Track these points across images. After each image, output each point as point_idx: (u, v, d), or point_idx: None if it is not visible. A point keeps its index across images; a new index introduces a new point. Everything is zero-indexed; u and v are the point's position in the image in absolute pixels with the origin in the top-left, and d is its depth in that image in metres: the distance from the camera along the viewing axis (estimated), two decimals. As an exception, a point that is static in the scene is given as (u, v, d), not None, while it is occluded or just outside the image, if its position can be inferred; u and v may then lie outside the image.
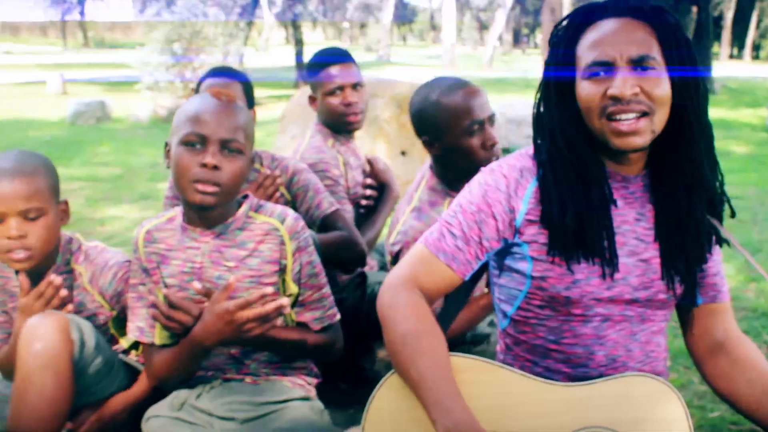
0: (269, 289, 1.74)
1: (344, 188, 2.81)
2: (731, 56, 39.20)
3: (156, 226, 1.97)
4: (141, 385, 2.05)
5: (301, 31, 24.04)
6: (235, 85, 2.64)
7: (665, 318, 1.69)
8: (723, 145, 10.38)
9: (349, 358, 2.68)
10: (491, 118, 2.26)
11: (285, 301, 1.74)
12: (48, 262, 2.03)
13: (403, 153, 6.85)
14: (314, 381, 2.06)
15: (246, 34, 18.55)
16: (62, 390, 1.79)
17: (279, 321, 1.81)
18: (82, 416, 1.98)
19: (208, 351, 1.85)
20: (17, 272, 2.03)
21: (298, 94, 7.49)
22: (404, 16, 60.98)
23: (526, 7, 50.26)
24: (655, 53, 1.48)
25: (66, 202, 2.04)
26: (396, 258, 2.27)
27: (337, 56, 2.89)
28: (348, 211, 2.78)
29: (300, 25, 23.76)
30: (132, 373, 2.08)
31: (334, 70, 2.84)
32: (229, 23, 17.12)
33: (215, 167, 1.78)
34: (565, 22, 1.58)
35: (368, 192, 2.96)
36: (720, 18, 38.69)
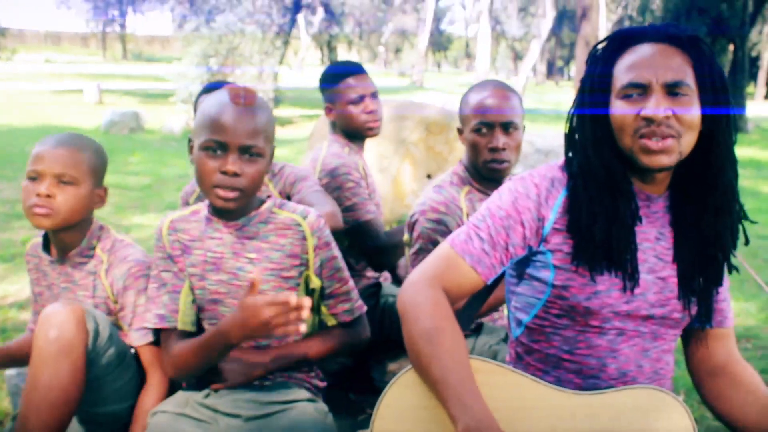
0: (293, 297, 1.70)
1: (366, 190, 2.87)
2: (767, 97, 38.84)
3: (180, 218, 2.02)
4: (157, 385, 2.08)
5: (337, 52, 24.25)
6: None
7: (675, 338, 1.72)
8: (753, 184, 10.29)
9: (360, 368, 2.71)
10: (505, 125, 2.37)
11: (307, 301, 1.71)
12: (72, 241, 2.12)
13: (428, 176, 6.88)
14: (320, 384, 2.09)
15: (282, 52, 18.72)
16: (75, 378, 1.83)
17: (302, 328, 1.81)
18: None
19: (232, 347, 1.85)
20: (48, 251, 2.16)
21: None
22: (439, 43, 61.29)
23: (562, 40, 50.36)
24: (689, 80, 1.53)
25: (105, 189, 2.15)
26: (412, 228, 2.42)
27: (354, 67, 3.00)
28: (371, 212, 2.84)
29: (335, 47, 23.97)
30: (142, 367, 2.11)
31: (352, 80, 2.94)
32: (266, 41, 17.31)
33: (235, 174, 1.82)
34: (604, 43, 1.63)
35: None
36: (757, 58, 38.45)
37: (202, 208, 2.00)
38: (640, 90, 1.53)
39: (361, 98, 2.93)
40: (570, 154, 1.66)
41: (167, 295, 2.00)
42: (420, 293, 1.60)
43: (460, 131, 2.49)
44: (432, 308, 1.57)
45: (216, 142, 1.82)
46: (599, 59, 1.62)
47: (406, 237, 2.47)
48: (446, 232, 2.34)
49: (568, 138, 1.67)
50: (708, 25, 20.38)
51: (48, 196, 2.00)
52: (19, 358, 2.22)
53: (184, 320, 1.99)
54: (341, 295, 2.03)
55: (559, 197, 1.63)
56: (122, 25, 49.59)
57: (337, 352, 2.06)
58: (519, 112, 2.41)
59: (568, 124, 1.68)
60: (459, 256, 1.63)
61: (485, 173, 2.40)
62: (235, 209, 1.89)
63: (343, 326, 2.06)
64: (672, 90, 1.52)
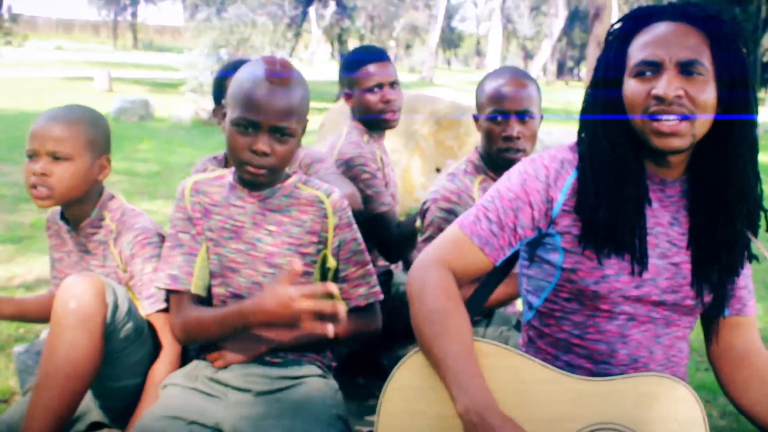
0: (334, 288, 1.69)
1: (382, 181, 2.83)
2: (777, 103, 38.70)
3: (204, 180, 2.00)
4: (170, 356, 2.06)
5: (347, 46, 24.23)
6: None
7: (690, 325, 1.69)
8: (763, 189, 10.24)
9: (369, 353, 2.70)
10: (520, 113, 2.34)
11: (342, 309, 1.68)
12: (82, 213, 2.12)
13: (438, 170, 6.87)
14: (331, 364, 2.07)
15: (293, 45, 18.72)
16: (92, 350, 1.81)
17: (331, 331, 1.74)
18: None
19: (249, 328, 1.83)
20: (66, 221, 2.16)
21: (337, 105, 7.55)
22: (450, 41, 61.23)
23: (573, 40, 50.25)
24: (705, 60, 1.48)
25: (107, 159, 2.12)
26: (424, 215, 2.40)
27: (376, 54, 2.92)
28: (386, 204, 2.79)
29: (346, 40, 23.96)
30: (157, 340, 2.08)
31: (372, 67, 2.86)
32: (277, 33, 17.32)
33: (265, 153, 1.81)
34: (621, 23, 1.60)
35: None
36: (768, 64, 38.30)
37: (227, 174, 1.99)
38: (652, 68, 1.50)
39: (380, 87, 2.85)
40: (582, 135, 1.64)
41: (182, 256, 1.96)
42: (428, 275, 1.59)
43: (476, 118, 2.46)
44: (438, 290, 1.56)
45: (248, 121, 1.81)
46: (616, 38, 1.59)
47: (418, 223, 2.45)
48: None
49: (583, 118, 1.64)
50: (721, 29, 20.22)
51: (43, 174, 2.00)
52: (33, 316, 2.22)
53: (197, 284, 1.95)
54: (356, 279, 2.00)
55: (569, 179, 1.60)
56: (134, 14, 49.62)
57: (345, 342, 2.03)
58: (535, 101, 2.38)
59: (583, 104, 1.65)
60: (467, 238, 1.62)
61: (500, 162, 2.36)
62: (264, 183, 1.89)
63: (356, 312, 2.01)
64: (686, 69, 1.48)
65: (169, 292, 1.99)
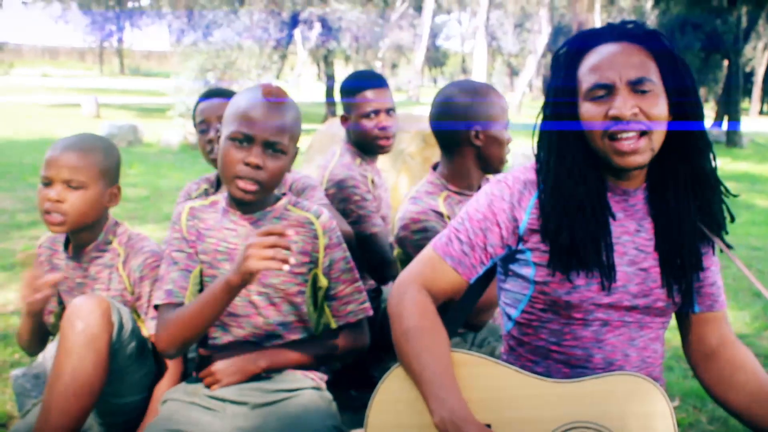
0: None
1: (372, 203, 2.87)
2: (761, 112, 39.02)
3: (200, 207, 2.06)
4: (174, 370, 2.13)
5: (333, 67, 24.33)
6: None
7: (663, 325, 1.76)
8: (748, 198, 10.36)
9: (361, 367, 2.74)
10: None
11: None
12: (89, 238, 2.18)
13: (426, 187, 6.91)
14: (324, 377, 2.12)
15: (279, 67, 18.81)
16: (99, 369, 1.87)
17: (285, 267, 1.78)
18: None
19: (232, 292, 1.81)
20: (66, 248, 2.21)
21: (324, 126, 7.62)
22: (436, 59, 61.53)
23: (558, 55, 50.45)
24: (653, 75, 1.57)
25: (118, 188, 2.19)
26: (400, 243, 2.43)
27: (374, 80, 2.99)
28: (377, 225, 2.83)
29: (332, 62, 24.07)
30: (159, 359, 2.15)
31: (370, 93, 2.92)
32: (263, 56, 17.41)
33: (257, 167, 1.88)
34: (564, 48, 1.68)
35: None
36: (751, 74, 38.66)
37: (221, 199, 2.05)
38: (606, 90, 1.57)
39: (376, 113, 2.92)
40: (540, 158, 1.71)
41: (178, 272, 2.00)
42: (405, 294, 1.69)
43: (476, 135, 2.41)
44: (415, 309, 1.66)
45: (243, 134, 1.88)
46: (562, 64, 1.66)
47: (396, 251, 2.49)
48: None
49: (539, 143, 1.71)
50: (702, 41, 20.54)
51: (58, 201, 2.06)
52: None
53: (191, 299, 1.98)
54: (346, 296, 2.07)
55: (532, 199, 1.68)
56: (120, 40, 49.62)
57: (333, 358, 2.10)
58: None
59: (538, 129, 1.72)
60: (441, 258, 1.71)
61: (499, 169, 2.45)
62: (253, 202, 1.94)
63: (345, 328, 2.09)
64: (637, 87, 1.56)
65: (158, 308, 2.00)
